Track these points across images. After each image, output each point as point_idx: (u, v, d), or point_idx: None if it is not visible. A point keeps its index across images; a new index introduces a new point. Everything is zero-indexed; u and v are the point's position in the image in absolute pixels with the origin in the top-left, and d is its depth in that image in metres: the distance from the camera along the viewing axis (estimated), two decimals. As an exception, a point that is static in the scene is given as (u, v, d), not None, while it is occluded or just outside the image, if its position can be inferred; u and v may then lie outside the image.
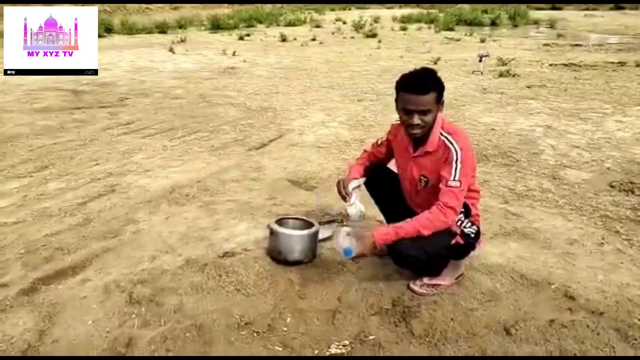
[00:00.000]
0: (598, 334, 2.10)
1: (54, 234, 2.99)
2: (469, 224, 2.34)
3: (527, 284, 2.49)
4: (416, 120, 2.18)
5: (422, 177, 2.36)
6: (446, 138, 2.23)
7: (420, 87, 2.14)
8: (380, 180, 2.65)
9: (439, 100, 2.20)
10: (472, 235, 2.34)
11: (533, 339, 2.08)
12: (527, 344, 2.05)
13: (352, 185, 2.53)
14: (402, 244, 2.22)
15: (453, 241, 2.29)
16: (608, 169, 4.16)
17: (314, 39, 15.18)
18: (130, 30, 17.93)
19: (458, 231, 2.31)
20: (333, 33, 17.61)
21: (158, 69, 9.78)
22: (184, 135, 5.17)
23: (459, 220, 2.32)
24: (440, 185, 2.20)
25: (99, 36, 15.42)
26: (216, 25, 19.44)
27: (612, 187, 3.76)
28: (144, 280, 2.48)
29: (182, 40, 14.69)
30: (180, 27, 19.69)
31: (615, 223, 3.18)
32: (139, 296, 2.34)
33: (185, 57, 11.43)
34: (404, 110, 2.21)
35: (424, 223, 2.18)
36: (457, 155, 2.18)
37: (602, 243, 2.93)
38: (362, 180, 2.58)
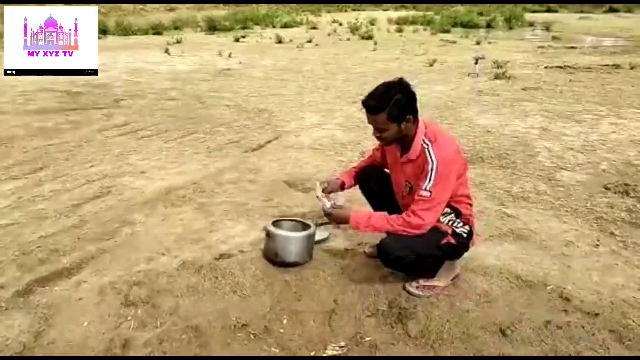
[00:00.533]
0: (593, 335, 2.11)
1: (49, 235, 2.98)
2: (461, 224, 2.35)
3: (523, 285, 2.50)
4: (375, 133, 2.30)
5: (406, 183, 2.39)
6: (427, 147, 2.22)
7: (370, 107, 2.21)
8: (374, 181, 2.67)
9: (395, 119, 2.19)
10: (465, 235, 2.35)
11: (528, 340, 2.08)
12: (523, 344, 2.06)
13: (318, 189, 2.62)
14: (389, 245, 2.26)
15: (444, 241, 2.30)
16: (603, 170, 4.18)
17: (309, 41, 15.19)
18: (125, 31, 17.90)
19: (449, 231, 2.32)
20: (329, 35, 17.64)
21: (153, 70, 9.77)
22: (179, 137, 5.16)
23: (450, 220, 2.33)
24: (415, 194, 2.24)
25: (95, 37, 15.46)
26: (212, 27, 19.42)
27: (607, 189, 3.78)
28: (140, 282, 2.48)
29: (178, 42, 14.68)
30: (176, 28, 19.68)
31: (610, 225, 3.19)
32: (134, 298, 2.34)
33: (181, 59, 11.42)
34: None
35: (392, 222, 2.25)
36: (432, 165, 2.18)
37: (597, 245, 2.95)
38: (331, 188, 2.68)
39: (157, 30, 18.28)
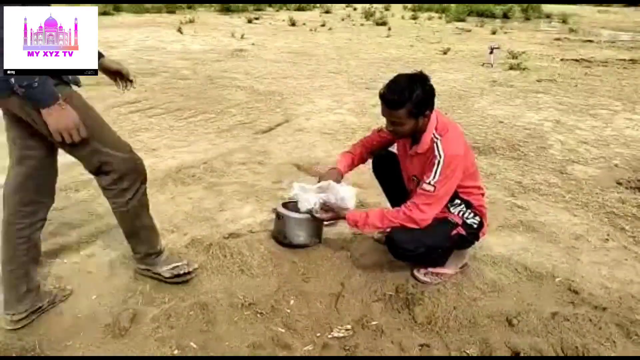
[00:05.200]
0: (600, 328, 2.10)
1: (60, 209, 2.99)
2: (472, 215, 2.34)
3: (531, 276, 2.49)
4: (390, 127, 2.24)
5: (413, 177, 2.37)
6: (436, 141, 2.19)
7: (390, 101, 2.12)
8: (386, 165, 2.64)
9: (415, 114, 2.13)
10: (475, 226, 2.34)
11: (535, 331, 2.08)
12: (529, 335, 2.06)
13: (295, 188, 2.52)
14: (398, 238, 2.24)
15: (454, 232, 2.30)
16: (616, 165, 4.13)
17: (323, 25, 15.06)
18: (139, 8, 17.81)
19: (460, 222, 2.31)
20: (343, 19, 17.48)
21: (166, 49, 9.74)
22: (190, 116, 5.16)
23: (460, 211, 2.32)
24: (419, 186, 2.22)
25: (107, 14, 15.41)
26: (225, 8, 19.29)
27: (619, 184, 3.74)
28: (149, 257, 2.48)
29: (191, 21, 14.60)
30: (189, 7, 19.55)
31: (621, 220, 3.17)
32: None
33: (194, 38, 11.37)
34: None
35: (391, 217, 2.23)
36: (439, 160, 2.15)
37: (607, 239, 2.93)
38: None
39: (170, 8, 18.18)
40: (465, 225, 2.32)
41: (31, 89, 1.66)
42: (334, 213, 2.44)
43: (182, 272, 2.26)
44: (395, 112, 2.13)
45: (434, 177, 2.14)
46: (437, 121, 2.23)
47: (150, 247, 2.24)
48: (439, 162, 2.14)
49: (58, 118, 1.72)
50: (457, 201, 2.31)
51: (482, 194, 2.41)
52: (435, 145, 2.18)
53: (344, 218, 2.37)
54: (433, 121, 2.22)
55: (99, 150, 1.92)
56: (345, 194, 2.41)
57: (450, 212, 2.33)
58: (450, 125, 2.25)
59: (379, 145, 2.62)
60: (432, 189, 2.15)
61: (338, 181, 2.49)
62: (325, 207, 2.45)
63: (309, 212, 2.45)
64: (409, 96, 2.08)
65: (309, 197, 2.43)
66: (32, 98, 1.69)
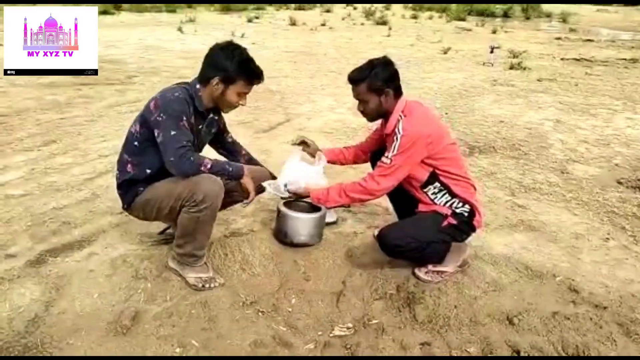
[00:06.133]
0: (600, 327, 2.11)
1: (61, 207, 3.00)
2: (460, 204, 2.34)
3: (532, 275, 2.50)
4: (359, 107, 2.41)
5: None
6: (399, 120, 2.29)
7: (351, 78, 2.34)
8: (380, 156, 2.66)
9: (375, 90, 2.29)
10: (466, 214, 2.34)
11: (535, 330, 2.08)
12: (530, 334, 2.06)
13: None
14: (387, 234, 2.30)
15: (444, 223, 2.31)
16: (616, 165, 4.14)
17: (323, 24, 15.07)
18: (139, 7, 17.81)
19: (449, 212, 2.33)
20: (343, 19, 17.48)
21: (167, 48, 9.75)
22: (191, 115, 5.15)
23: (446, 201, 2.34)
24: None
25: (108, 13, 15.40)
26: (225, 7, 19.28)
27: (620, 183, 3.75)
28: (151, 256, 2.49)
29: (191, 20, 14.60)
30: (190, 6, 19.54)
31: (621, 219, 3.17)
32: (145, 271, 2.36)
33: (194, 38, 11.37)
34: None
35: (348, 190, 2.35)
36: (397, 135, 2.24)
37: (607, 238, 2.93)
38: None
39: (171, 7, 18.18)
40: (455, 215, 2.33)
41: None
42: (304, 190, 2.51)
43: (206, 286, 2.26)
44: (358, 88, 2.33)
45: (392, 151, 2.25)
46: (406, 106, 2.33)
47: (196, 249, 2.27)
48: (397, 137, 2.24)
49: None
50: (437, 184, 2.33)
51: (471, 185, 2.41)
52: (397, 123, 2.28)
53: (308, 195, 2.49)
54: (401, 105, 2.34)
55: None
56: (309, 172, 2.57)
57: (436, 204, 2.36)
58: (417, 109, 2.33)
59: (368, 146, 2.73)
60: (388, 161, 2.26)
61: (312, 154, 2.72)
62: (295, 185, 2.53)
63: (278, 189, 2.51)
64: (368, 73, 2.28)
65: (283, 175, 2.55)
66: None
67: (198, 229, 2.19)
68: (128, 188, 2.30)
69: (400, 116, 2.30)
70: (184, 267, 2.30)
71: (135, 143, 2.25)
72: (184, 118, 2.12)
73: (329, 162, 2.72)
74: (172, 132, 2.06)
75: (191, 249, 2.26)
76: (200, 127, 2.32)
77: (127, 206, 2.34)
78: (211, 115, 2.38)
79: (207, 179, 2.09)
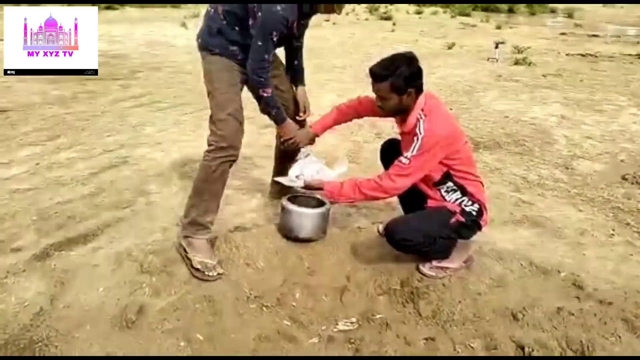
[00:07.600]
0: (605, 323, 2.10)
1: (66, 202, 3.01)
2: (470, 202, 2.34)
3: (536, 271, 2.49)
4: (378, 102, 2.34)
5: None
6: (420, 119, 2.25)
7: (374, 74, 2.25)
8: (393, 153, 2.64)
9: (397, 90, 2.21)
10: (475, 213, 2.35)
11: (540, 325, 2.08)
12: (534, 329, 2.06)
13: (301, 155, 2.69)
14: (396, 228, 2.28)
15: (453, 220, 2.31)
16: (621, 161, 4.12)
17: (327, 20, 15.01)
18: (143, 3, 17.80)
19: (458, 210, 2.33)
20: (347, 14, 17.42)
21: (170, 43, 9.75)
22: (195, 111, 5.16)
23: (457, 198, 2.34)
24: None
25: (112, 8, 15.40)
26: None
27: (625, 179, 3.73)
28: (156, 250, 2.50)
29: (195, 16, 14.56)
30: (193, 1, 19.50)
31: (626, 215, 3.16)
32: (150, 266, 2.37)
33: (198, 33, 11.34)
34: None
35: (363, 187, 2.28)
36: (419, 136, 2.20)
37: (612, 234, 2.92)
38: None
39: (174, 3, 18.14)
40: (463, 212, 2.33)
41: None
42: (317, 182, 2.47)
43: (207, 273, 2.28)
44: (379, 85, 2.24)
45: (412, 151, 2.21)
46: (425, 103, 2.28)
47: (200, 215, 2.36)
48: (418, 138, 2.20)
49: None
50: (450, 184, 2.33)
51: (481, 183, 2.42)
52: (418, 123, 2.24)
53: (322, 189, 2.43)
54: (420, 102, 2.28)
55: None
56: (318, 166, 2.56)
57: (446, 200, 2.35)
58: (437, 108, 2.30)
59: (360, 110, 2.74)
60: (407, 161, 2.22)
61: (311, 143, 2.79)
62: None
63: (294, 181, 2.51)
64: (392, 71, 2.19)
65: (294, 169, 2.55)
66: None
67: (208, 188, 2.34)
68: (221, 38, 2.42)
69: (420, 115, 2.25)
70: (191, 246, 2.35)
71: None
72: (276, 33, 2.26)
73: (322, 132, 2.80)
74: (259, 43, 2.26)
75: (195, 215, 2.35)
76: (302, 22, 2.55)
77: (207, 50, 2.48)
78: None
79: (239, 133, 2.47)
